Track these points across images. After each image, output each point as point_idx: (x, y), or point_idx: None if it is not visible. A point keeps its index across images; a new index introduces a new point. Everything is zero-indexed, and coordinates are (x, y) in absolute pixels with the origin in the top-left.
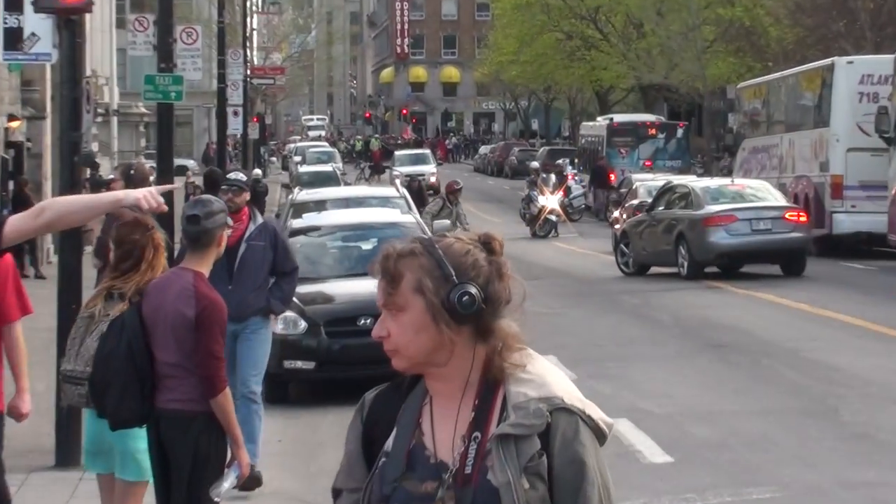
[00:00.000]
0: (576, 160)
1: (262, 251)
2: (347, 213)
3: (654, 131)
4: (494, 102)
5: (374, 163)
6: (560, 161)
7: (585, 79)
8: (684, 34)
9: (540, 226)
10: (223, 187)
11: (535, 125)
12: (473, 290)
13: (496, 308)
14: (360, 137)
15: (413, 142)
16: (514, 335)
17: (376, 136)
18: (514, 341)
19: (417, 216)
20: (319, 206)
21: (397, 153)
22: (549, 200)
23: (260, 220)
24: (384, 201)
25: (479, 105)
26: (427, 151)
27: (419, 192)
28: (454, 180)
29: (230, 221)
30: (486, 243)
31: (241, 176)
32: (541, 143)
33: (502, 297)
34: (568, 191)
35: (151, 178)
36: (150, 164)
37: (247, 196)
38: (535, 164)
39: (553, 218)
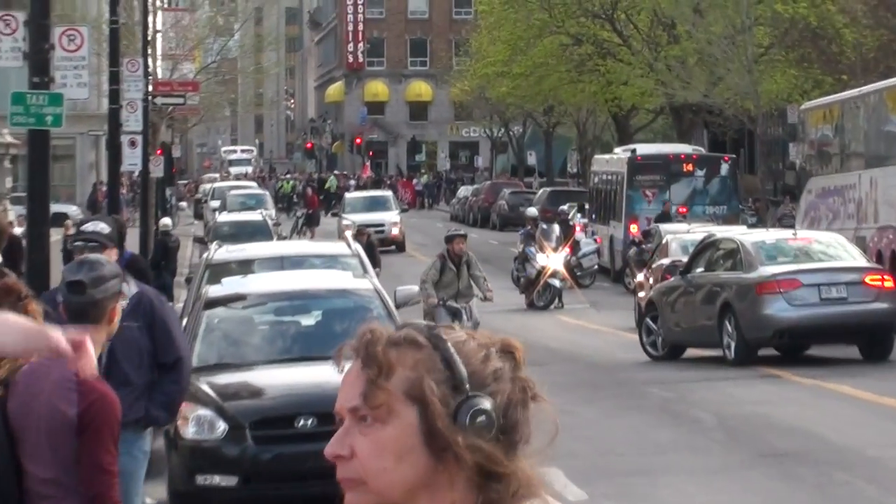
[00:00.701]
0: (586, 206)
1: (137, 335)
2: (282, 277)
3: (690, 167)
4: (478, 129)
5: (309, 210)
6: (565, 207)
7: (599, 97)
8: (730, 38)
9: (539, 293)
10: (76, 244)
11: (531, 159)
12: (489, 407)
13: (513, 443)
14: (290, 177)
15: (371, 182)
16: (534, 483)
17: (335, 173)
18: (531, 490)
19: (376, 281)
20: (244, 267)
21: (348, 196)
22: (552, 260)
23: (134, 289)
24: (331, 261)
25: (458, 132)
26: (387, 194)
27: (369, 248)
28: (455, 230)
29: (128, 289)
30: (507, 351)
31: (103, 227)
32: (540, 184)
33: (524, 430)
34: (576, 247)
35: (20, 231)
36: (15, 211)
37: (113, 255)
38: (533, 210)
39: (556, 283)
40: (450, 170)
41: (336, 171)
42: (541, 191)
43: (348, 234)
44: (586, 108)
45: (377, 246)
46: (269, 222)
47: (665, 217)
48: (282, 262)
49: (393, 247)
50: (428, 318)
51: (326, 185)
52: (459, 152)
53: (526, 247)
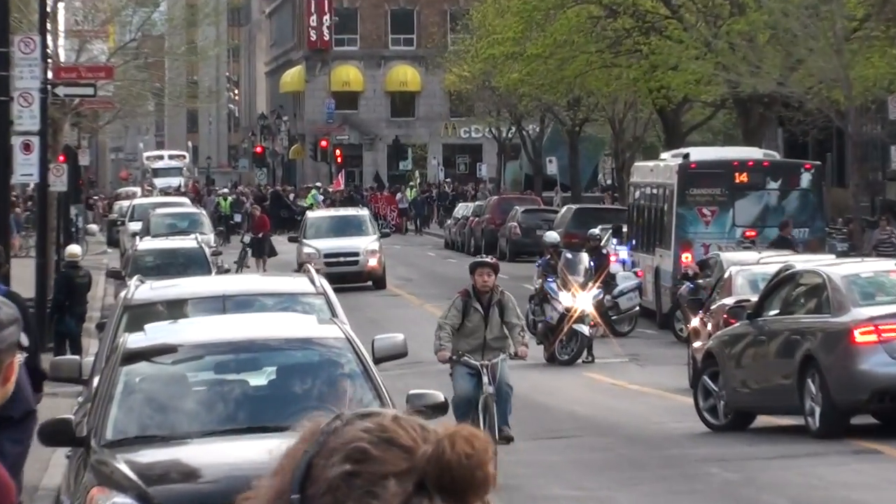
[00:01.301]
0: (623, 228)
1: None
2: (224, 322)
3: (760, 177)
4: (481, 128)
5: (256, 234)
6: (596, 231)
7: (641, 86)
8: (813, 9)
9: (562, 344)
10: None
11: (551, 167)
12: None
13: None
14: (236, 191)
15: (342, 198)
16: None
17: (317, 185)
18: None
19: (348, 328)
20: (175, 309)
21: (311, 217)
22: (579, 299)
23: None
24: (289, 301)
25: (455, 132)
26: (362, 213)
27: None
28: (482, 258)
29: (24, 339)
30: (439, 464)
31: None
32: (563, 199)
33: None
34: (610, 282)
35: None
36: None
37: None
38: (554, 235)
39: (585, 330)
40: (444, 181)
41: (317, 184)
42: (564, 209)
43: (311, 267)
44: (624, 101)
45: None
46: (207, 250)
47: (784, 242)
48: (224, 303)
49: (370, 283)
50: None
51: (308, 202)
52: (457, 158)
53: (545, 282)
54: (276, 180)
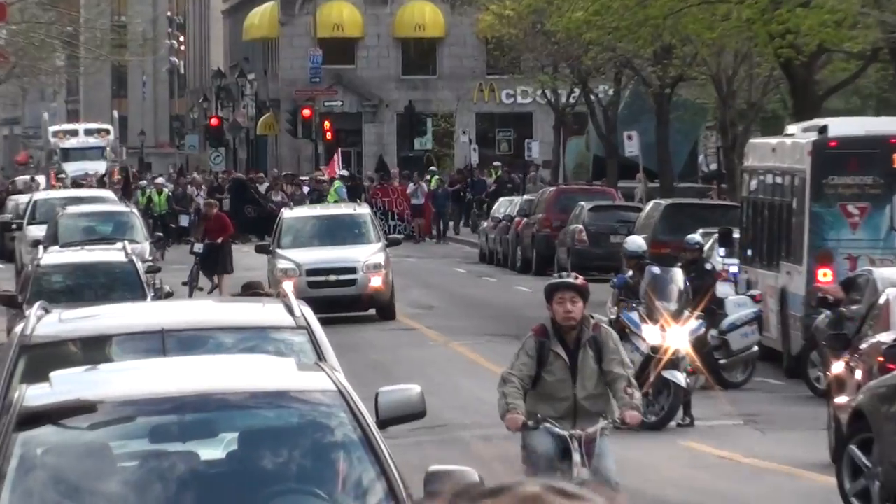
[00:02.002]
0: (734, 233)
1: None
2: (164, 369)
3: None
4: (529, 90)
5: (213, 241)
6: (696, 236)
7: (758, 30)
8: None
9: (649, 399)
10: None
11: (631, 146)
12: None
13: None
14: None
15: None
16: None
17: (343, 172)
18: None
19: (339, 377)
20: (93, 350)
21: (287, 217)
22: (671, 336)
23: None
24: (257, 338)
25: (494, 96)
26: (361, 212)
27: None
28: (562, 276)
29: None
30: None
31: None
32: (647, 192)
33: None
34: (717, 310)
35: None
36: None
37: None
38: (636, 243)
39: (680, 379)
40: (477, 167)
41: (342, 172)
42: (650, 205)
43: (287, 286)
44: (734, 52)
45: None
46: (140, 266)
47: None
48: (164, 341)
49: (372, 311)
50: (527, 462)
51: (331, 199)
52: (497, 133)
53: (623, 311)
54: (238, 165)
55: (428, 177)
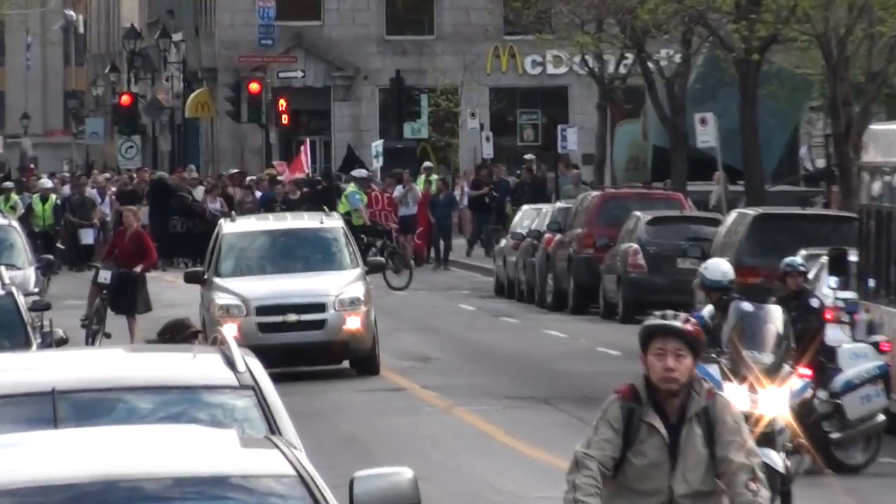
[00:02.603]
0: (851, 255)
1: None
2: (57, 444)
3: None
4: (563, 55)
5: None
6: (797, 260)
7: None
8: None
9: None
10: None
11: (705, 132)
12: None
13: None
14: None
15: (306, 193)
16: None
17: (363, 172)
18: None
19: (299, 457)
20: None
21: (227, 231)
22: (764, 398)
23: None
24: (184, 401)
25: (514, 64)
26: (330, 225)
27: None
28: (658, 319)
29: None
30: None
31: None
32: (729, 197)
33: None
34: (826, 364)
35: None
36: None
37: None
38: (719, 269)
39: (776, 461)
40: (491, 162)
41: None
42: (732, 216)
43: (228, 329)
44: (847, 3)
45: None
46: (21, 301)
47: None
48: (54, 406)
49: (345, 364)
50: None
51: (342, 209)
52: (518, 116)
53: (698, 365)
54: (159, 160)
55: (423, 176)
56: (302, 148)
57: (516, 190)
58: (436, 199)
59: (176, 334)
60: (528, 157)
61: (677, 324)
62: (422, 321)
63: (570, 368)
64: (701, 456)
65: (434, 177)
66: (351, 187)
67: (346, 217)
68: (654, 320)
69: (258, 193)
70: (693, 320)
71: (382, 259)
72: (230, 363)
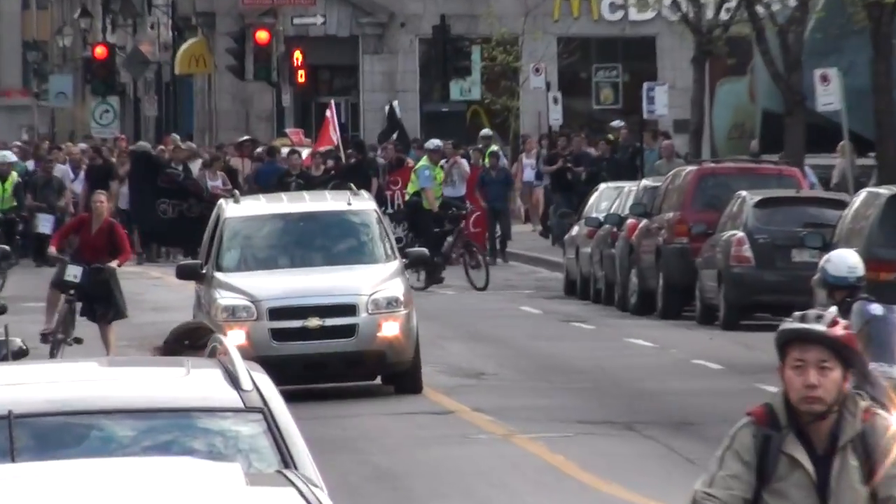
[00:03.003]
0: None
1: None
2: (18, 481)
3: None
4: None
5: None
6: None
7: None
8: None
9: None
10: None
11: (826, 93)
12: None
13: None
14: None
15: (331, 168)
16: None
17: (433, 143)
18: None
19: (324, 499)
20: None
21: (230, 216)
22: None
23: None
24: (177, 427)
25: (585, 6)
26: (362, 207)
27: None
28: (797, 321)
29: None
30: None
31: None
32: (854, 171)
33: None
34: None
35: None
36: None
37: None
38: (845, 260)
39: None
40: (558, 130)
41: (433, 142)
42: (861, 196)
43: (235, 337)
44: None
45: None
46: None
47: None
48: (10, 433)
49: (377, 380)
50: None
51: (410, 190)
52: (594, 73)
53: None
54: (143, 128)
55: (478, 147)
56: (328, 112)
57: (595, 165)
58: (486, 175)
59: (196, 340)
60: (615, 124)
61: (820, 327)
62: (473, 327)
63: (658, 386)
64: (858, 495)
65: (491, 149)
66: (423, 161)
67: (416, 198)
68: (791, 323)
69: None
70: (844, 322)
71: (425, 251)
72: (233, 379)
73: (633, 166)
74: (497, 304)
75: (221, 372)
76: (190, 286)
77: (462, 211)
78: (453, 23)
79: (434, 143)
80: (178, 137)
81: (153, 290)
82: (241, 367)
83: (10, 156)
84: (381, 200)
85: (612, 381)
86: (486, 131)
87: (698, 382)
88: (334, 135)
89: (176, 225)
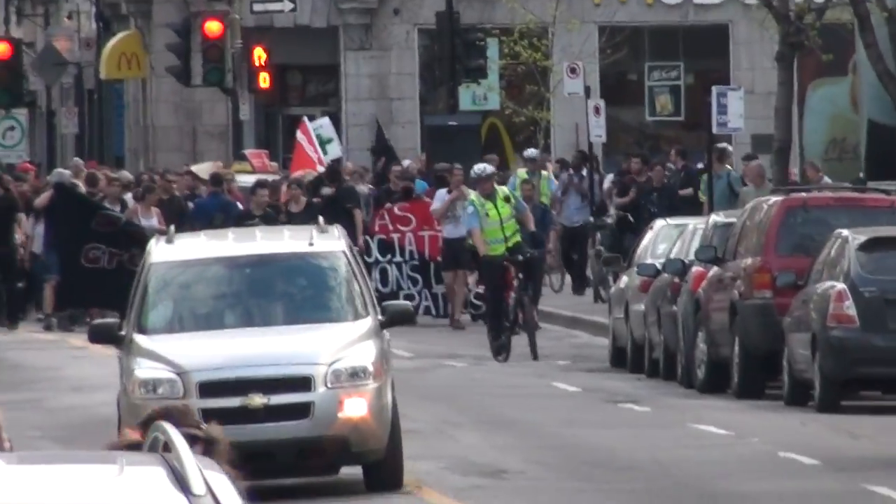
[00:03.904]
0: None
1: None
2: None
3: None
4: None
5: None
6: None
7: None
8: None
9: None
10: None
11: None
12: None
13: None
14: None
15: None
16: None
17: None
18: None
19: None
20: None
21: (156, 256)
22: None
23: None
24: None
25: None
26: (326, 248)
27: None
28: None
29: None
30: None
31: None
32: None
33: None
34: None
35: None
36: None
37: None
38: None
39: None
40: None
41: (245, 155)
42: None
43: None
44: None
45: None
46: None
47: None
48: None
49: (349, 470)
50: None
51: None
52: (647, 74)
53: None
54: (62, 151)
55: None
56: (299, 133)
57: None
58: (518, 204)
59: (184, 422)
60: (529, 153)
61: None
62: (492, 410)
63: (735, 486)
64: None
65: (523, 175)
66: (472, 196)
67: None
68: None
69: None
70: None
71: (408, 304)
72: (181, 481)
73: (691, 198)
74: (522, 379)
75: (166, 471)
76: (108, 355)
77: (534, 252)
78: (463, 8)
79: (481, 168)
80: (77, 164)
81: (74, 363)
82: (192, 463)
83: None
84: (384, 245)
85: (675, 480)
86: (532, 151)
87: (788, 482)
88: (313, 153)
89: (110, 279)
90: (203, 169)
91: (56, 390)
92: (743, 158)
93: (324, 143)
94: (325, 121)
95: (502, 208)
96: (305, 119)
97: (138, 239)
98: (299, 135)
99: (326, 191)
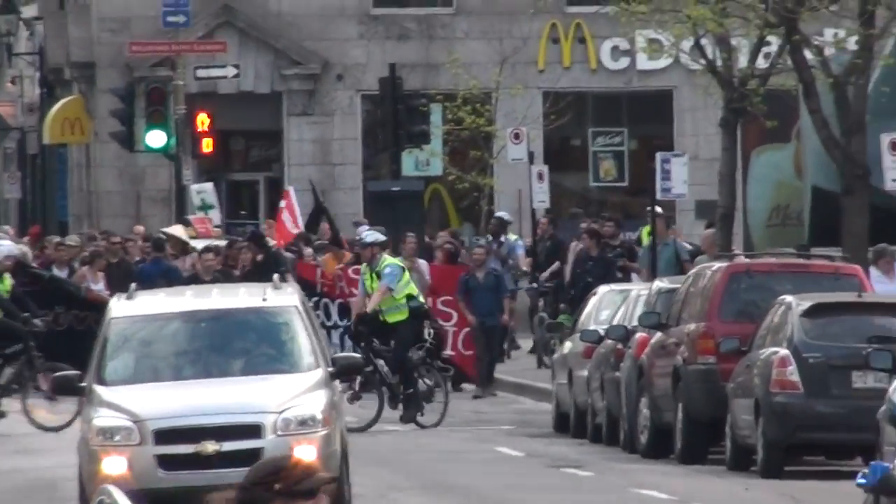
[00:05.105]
0: None
1: None
2: None
3: None
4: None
5: None
6: None
7: None
8: None
9: None
10: None
11: None
12: None
13: None
14: None
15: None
16: None
17: (500, 216)
18: None
19: None
20: None
21: (115, 311)
22: None
23: None
24: None
25: (580, 49)
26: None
27: None
28: None
29: None
30: None
31: None
32: None
33: None
34: None
35: None
36: None
37: None
38: None
39: None
40: (548, 215)
41: (188, 220)
42: None
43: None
44: None
45: None
46: None
47: None
48: None
49: None
50: None
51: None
52: (590, 139)
53: None
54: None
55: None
56: (282, 203)
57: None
58: (471, 279)
59: (291, 483)
60: (657, 211)
61: None
62: (436, 475)
63: None
64: None
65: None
66: (387, 260)
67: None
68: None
69: (142, 266)
70: None
71: (357, 357)
72: None
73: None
74: (465, 444)
75: None
76: (69, 408)
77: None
78: (406, 74)
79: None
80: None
81: (22, 426)
82: None
83: None
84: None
85: None
86: (502, 214)
87: None
88: (293, 226)
89: (74, 338)
90: (176, 231)
91: (23, 452)
92: (706, 227)
93: (206, 208)
94: (209, 186)
95: (405, 276)
96: (290, 189)
97: (99, 304)
98: (283, 203)
99: (258, 257)
